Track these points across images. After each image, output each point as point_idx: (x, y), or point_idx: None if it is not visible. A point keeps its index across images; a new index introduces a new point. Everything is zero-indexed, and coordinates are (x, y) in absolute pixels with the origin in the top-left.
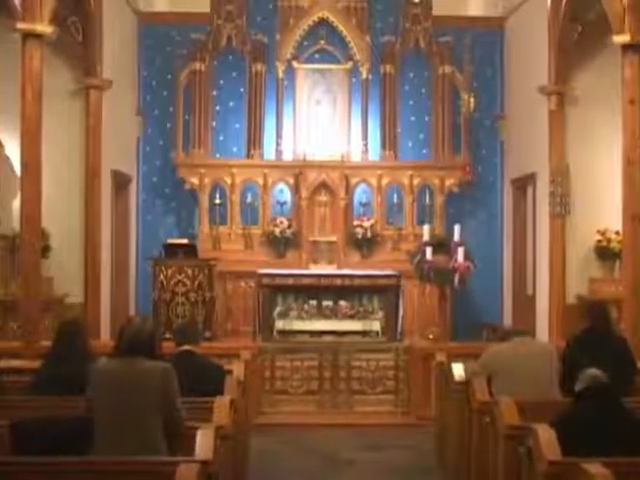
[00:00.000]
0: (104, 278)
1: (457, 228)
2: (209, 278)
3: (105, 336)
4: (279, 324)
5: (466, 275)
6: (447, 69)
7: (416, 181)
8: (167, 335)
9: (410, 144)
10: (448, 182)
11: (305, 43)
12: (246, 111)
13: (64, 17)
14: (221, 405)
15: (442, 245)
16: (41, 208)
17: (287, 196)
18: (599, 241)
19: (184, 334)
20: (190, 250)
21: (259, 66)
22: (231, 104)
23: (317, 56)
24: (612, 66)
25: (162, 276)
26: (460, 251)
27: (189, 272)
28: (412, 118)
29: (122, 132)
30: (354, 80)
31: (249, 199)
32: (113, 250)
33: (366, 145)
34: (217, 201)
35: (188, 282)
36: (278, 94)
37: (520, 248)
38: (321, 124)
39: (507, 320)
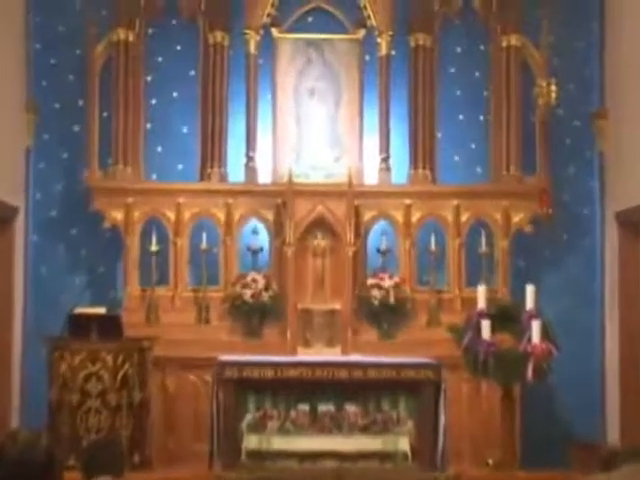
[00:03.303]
0: None
1: (530, 290)
2: (140, 369)
3: None
4: (250, 441)
5: (545, 364)
6: (514, 40)
7: (465, 216)
8: (72, 461)
9: (456, 158)
10: (516, 217)
11: None
12: (199, 106)
13: None
14: None
15: (507, 317)
16: None
17: (264, 240)
18: None
19: (99, 459)
20: (110, 325)
21: (219, 35)
22: (175, 95)
23: (310, 20)
24: None
25: (65, 366)
26: (535, 326)
27: (108, 360)
28: (460, 117)
29: (1, 138)
30: (368, 58)
31: (204, 245)
32: None
33: (387, 160)
34: (153, 248)
35: (106, 376)
36: (249, 80)
37: (633, 318)
38: (317, 127)
39: (613, 434)
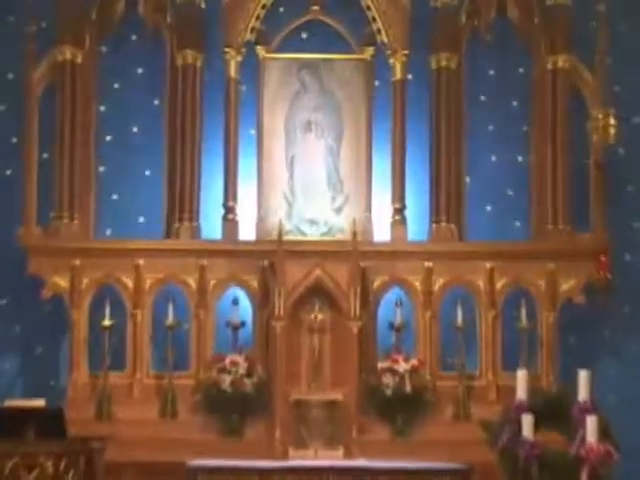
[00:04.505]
0: None
1: (583, 376)
2: (88, 477)
3: None
4: None
5: (603, 470)
6: (562, 61)
7: (501, 282)
8: None
9: (489, 209)
10: (565, 285)
11: (281, 10)
12: (165, 144)
13: None
14: None
15: (554, 411)
16: None
17: (246, 312)
18: None
19: None
20: (51, 421)
21: (190, 55)
22: (135, 130)
23: (305, 36)
24: None
25: None
26: (590, 422)
27: (48, 466)
28: (492, 157)
29: None
30: (379, 83)
31: (170, 319)
32: None
33: (402, 211)
34: (106, 323)
35: None
36: (229, 111)
37: None
38: (314, 170)
39: None
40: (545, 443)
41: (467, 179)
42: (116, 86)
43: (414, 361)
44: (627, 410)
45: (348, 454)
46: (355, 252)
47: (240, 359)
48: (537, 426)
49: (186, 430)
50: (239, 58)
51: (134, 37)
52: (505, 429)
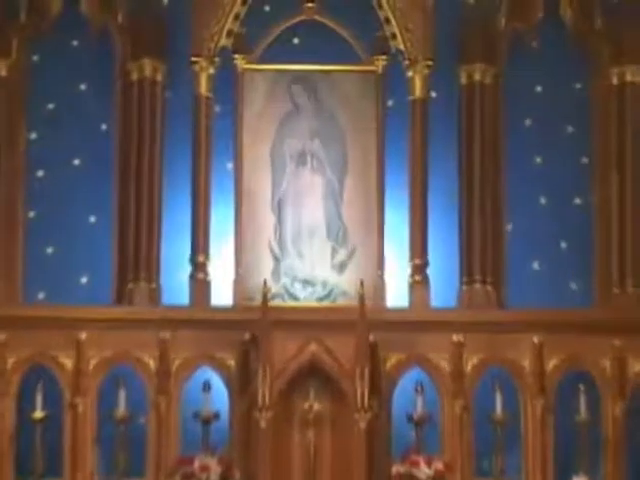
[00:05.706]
0: None
1: None
2: None
3: None
4: None
5: None
6: (631, 73)
7: (553, 362)
8: None
9: (536, 266)
10: (636, 366)
11: (267, 8)
12: (114, 182)
13: None
14: None
15: None
16: None
17: (221, 400)
18: None
19: None
20: None
21: (148, 66)
22: (76, 163)
23: (297, 42)
24: None
25: None
26: None
27: None
28: (541, 199)
29: None
30: (393, 102)
31: (121, 410)
32: None
33: (423, 269)
34: (37, 415)
35: None
36: (199, 138)
37: None
38: (309, 227)
39: None
40: None
41: (508, 227)
42: (51, 106)
43: (439, 464)
44: None
45: None
46: (363, 322)
47: (213, 462)
48: None
49: None
50: (212, 70)
51: (75, 43)
52: None
